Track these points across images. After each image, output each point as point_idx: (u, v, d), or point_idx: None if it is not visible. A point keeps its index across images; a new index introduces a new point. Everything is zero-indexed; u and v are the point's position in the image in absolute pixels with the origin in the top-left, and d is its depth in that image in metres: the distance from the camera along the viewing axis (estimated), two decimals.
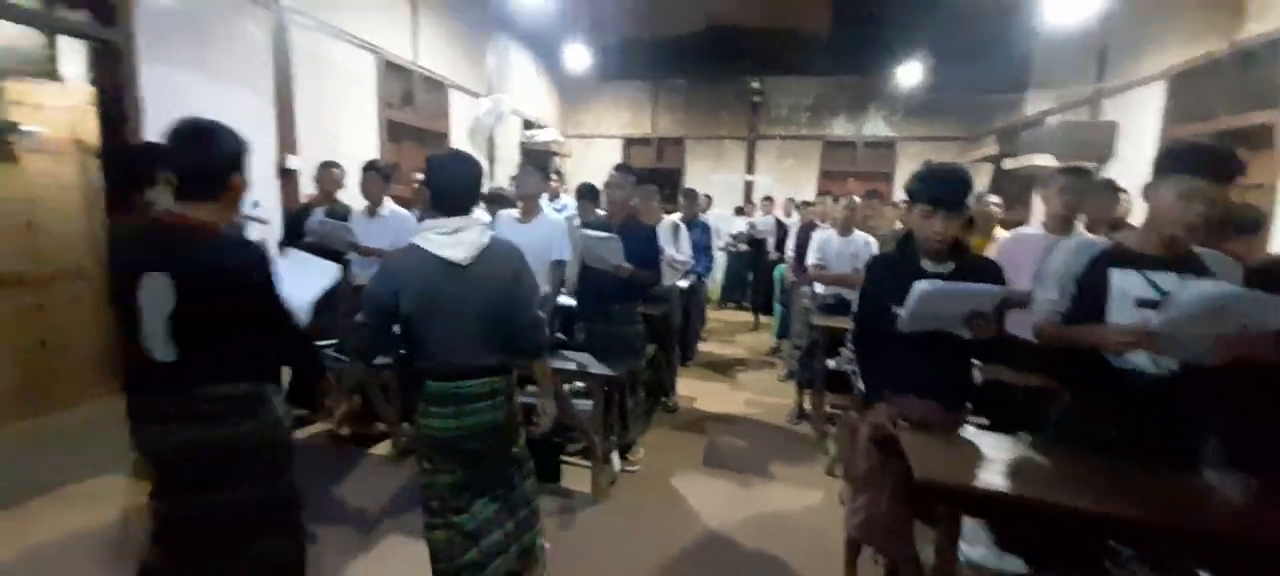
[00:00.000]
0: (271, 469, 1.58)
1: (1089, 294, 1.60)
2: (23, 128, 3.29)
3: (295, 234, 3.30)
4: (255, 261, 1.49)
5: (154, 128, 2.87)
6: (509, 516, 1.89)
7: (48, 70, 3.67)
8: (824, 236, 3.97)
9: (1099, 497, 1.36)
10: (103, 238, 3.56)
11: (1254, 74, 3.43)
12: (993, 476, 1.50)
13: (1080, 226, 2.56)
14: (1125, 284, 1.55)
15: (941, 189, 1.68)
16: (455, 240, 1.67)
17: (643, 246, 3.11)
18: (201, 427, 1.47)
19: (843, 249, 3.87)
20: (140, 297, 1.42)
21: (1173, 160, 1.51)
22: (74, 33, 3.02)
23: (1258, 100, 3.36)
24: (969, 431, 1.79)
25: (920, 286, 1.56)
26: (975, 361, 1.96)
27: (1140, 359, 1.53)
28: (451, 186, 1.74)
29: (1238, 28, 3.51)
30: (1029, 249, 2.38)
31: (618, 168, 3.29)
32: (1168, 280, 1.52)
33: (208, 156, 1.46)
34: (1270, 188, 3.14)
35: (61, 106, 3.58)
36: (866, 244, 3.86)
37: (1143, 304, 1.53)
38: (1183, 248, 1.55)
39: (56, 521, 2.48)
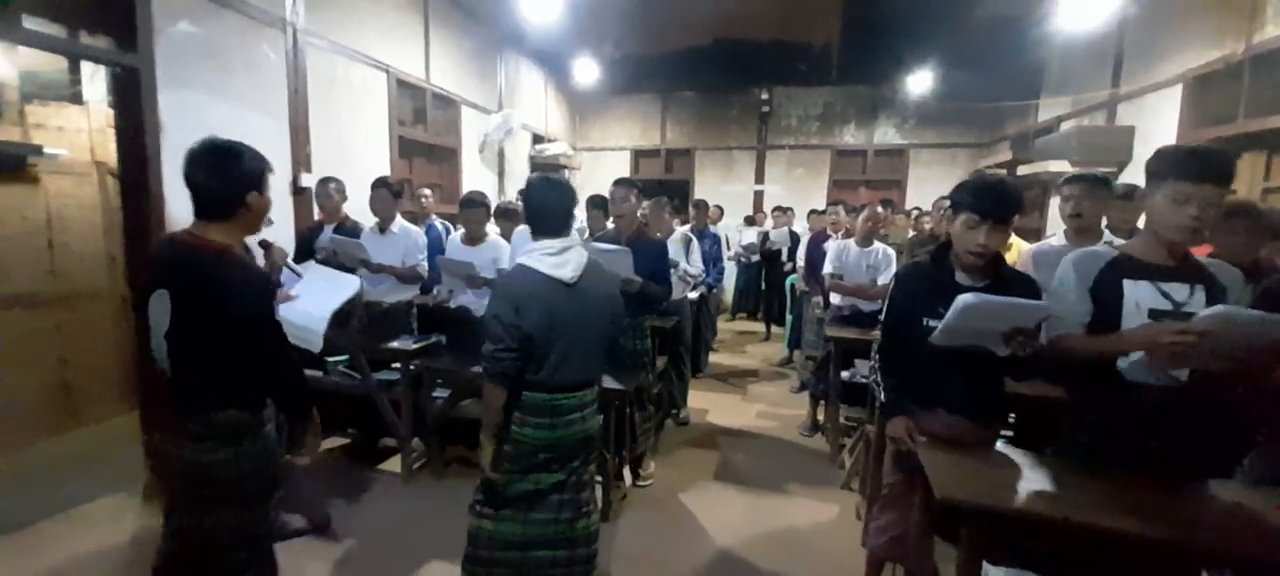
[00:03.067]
0: (250, 499, 1.58)
1: (1102, 305, 1.57)
2: (45, 150, 3.36)
3: (307, 253, 3.33)
4: (253, 286, 1.49)
5: (172, 150, 2.92)
6: (566, 547, 1.86)
7: (70, 94, 3.76)
8: (841, 246, 3.92)
9: (1119, 516, 1.31)
10: (121, 258, 3.63)
11: (1273, 76, 3.37)
12: (1012, 494, 1.45)
13: (1107, 234, 2.49)
14: (1138, 295, 1.52)
15: (991, 200, 1.63)
16: (563, 260, 1.75)
17: (652, 260, 3.10)
18: (192, 448, 1.50)
19: (861, 259, 3.81)
20: (150, 312, 1.48)
21: (1163, 166, 1.50)
22: (95, 59, 3.09)
23: (1277, 103, 3.29)
24: (999, 447, 1.75)
25: (963, 299, 1.51)
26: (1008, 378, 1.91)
27: (1147, 372, 1.50)
28: (550, 209, 1.80)
29: (1255, 30, 3.45)
30: (1053, 260, 2.32)
31: (618, 182, 3.28)
32: (1180, 291, 1.50)
33: (220, 177, 1.48)
34: None
35: (82, 129, 3.67)
36: (886, 255, 3.80)
37: (1156, 315, 1.50)
38: (1189, 256, 1.54)
39: (71, 541, 2.49)
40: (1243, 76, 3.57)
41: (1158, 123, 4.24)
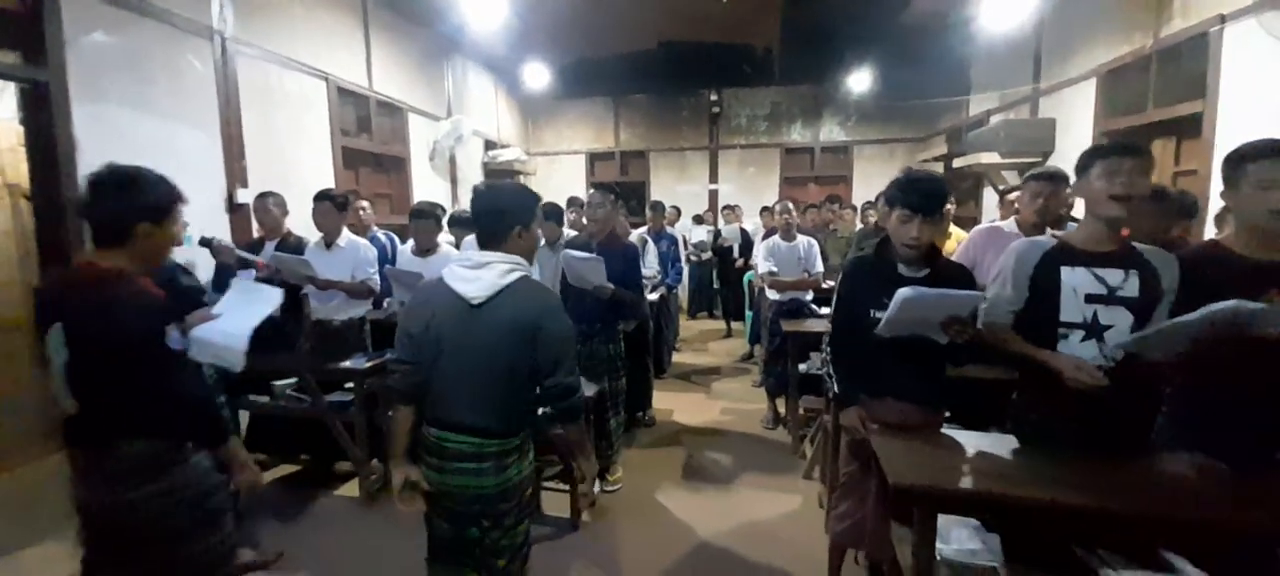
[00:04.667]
0: (184, 535, 1.50)
1: (1041, 291, 1.67)
2: None
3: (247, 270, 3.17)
4: (138, 308, 1.41)
5: (89, 168, 2.72)
6: None
7: None
8: (771, 243, 4.11)
9: (1060, 488, 1.40)
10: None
11: (1180, 66, 3.65)
12: (965, 475, 1.53)
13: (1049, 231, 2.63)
14: (1075, 281, 1.62)
15: (921, 196, 1.72)
16: (475, 275, 1.50)
17: (625, 266, 3.10)
18: (111, 487, 1.43)
19: (790, 253, 4.01)
20: (49, 347, 1.42)
21: (1091, 156, 1.64)
22: (0, 74, 2.86)
23: (1185, 91, 3.58)
24: (945, 430, 1.83)
25: (902, 293, 1.59)
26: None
27: (1084, 353, 1.59)
28: (482, 216, 1.57)
29: (1162, 24, 3.74)
30: (1001, 245, 2.42)
31: (596, 186, 3.30)
32: (1115, 276, 1.60)
33: (108, 205, 1.44)
34: (1203, 174, 3.33)
35: None
36: (810, 246, 4.05)
37: (1092, 298, 1.60)
38: (1124, 241, 1.64)
39: None
40: (1151, 68, 3.87)
41: (1075, 114, 4.55)
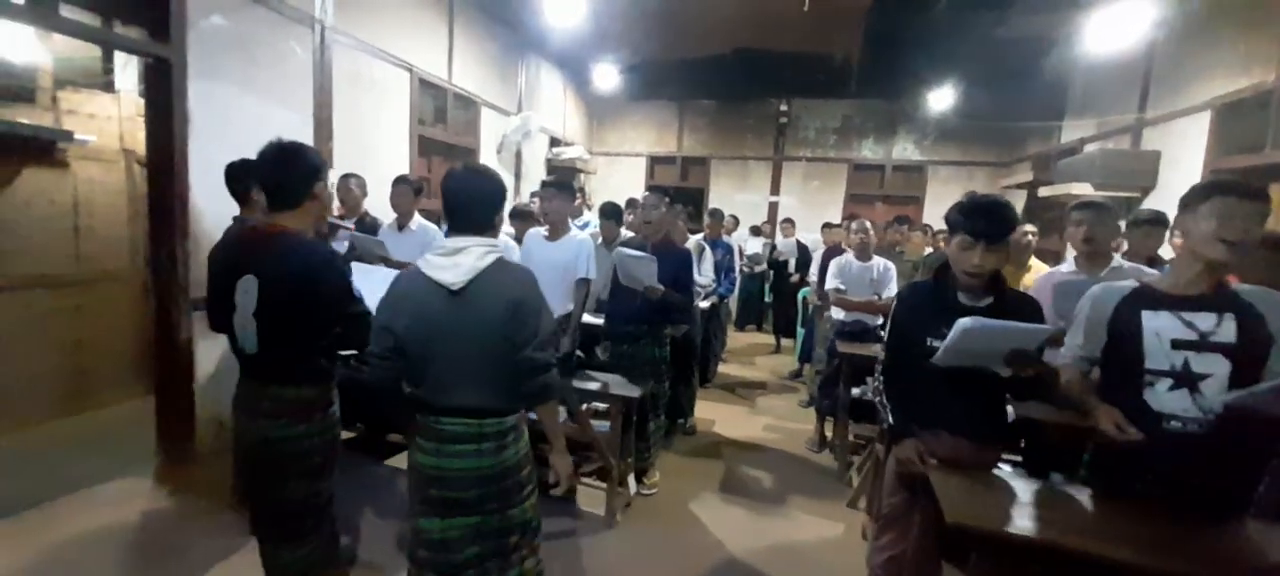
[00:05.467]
0: (316, 471, 1.79)
1: (1121, 338, 1.56)
2: (76, 136, 3.44)
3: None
4: (327, 262, 1.70)
5: (199, 139, 2.98)
6: None
7: (102, 82, 3.85)
8: (843, 261, 3.95)
9: (1136, 548, 1.29)
10: (144, 244, 3.70)
11: None
12: (1025, 521, 1.43)
13: (1118, 259, 2.48)
14: (1157, 325, 1.51)
15: (983, 221, 1.62)
16: (452, 262, 1.50)
17: (677, 269, 3.11)
18: (267, 424, 1.70)
19: (862, 274, 3.84)
20: (237, 297, 1.67)
21: (1203, 191, 1.50)
22: (128, 48, 3.16)
23: None
24: (1003, 471, 1.72)
25: (963, 323, 1.51)
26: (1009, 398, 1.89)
27: (1176, 404, 1.47)
28: (463, 202, 1.57)
29: None
30: (1061, 287, 2.32)
31: (651, 189, 3.32)
32: (1206, 320, 1.47)
33: (289, 172, 1.69)
34: None
35: (112, 117, 3.76)
36: (886, 269, 3.84)
37: (1180, 344, 1.48)
38: (1222, 285, 1.51)
39: (80, 522, 2.53)
40: (1271, 105, 3.50)
41: (1185, 149, 4.17)
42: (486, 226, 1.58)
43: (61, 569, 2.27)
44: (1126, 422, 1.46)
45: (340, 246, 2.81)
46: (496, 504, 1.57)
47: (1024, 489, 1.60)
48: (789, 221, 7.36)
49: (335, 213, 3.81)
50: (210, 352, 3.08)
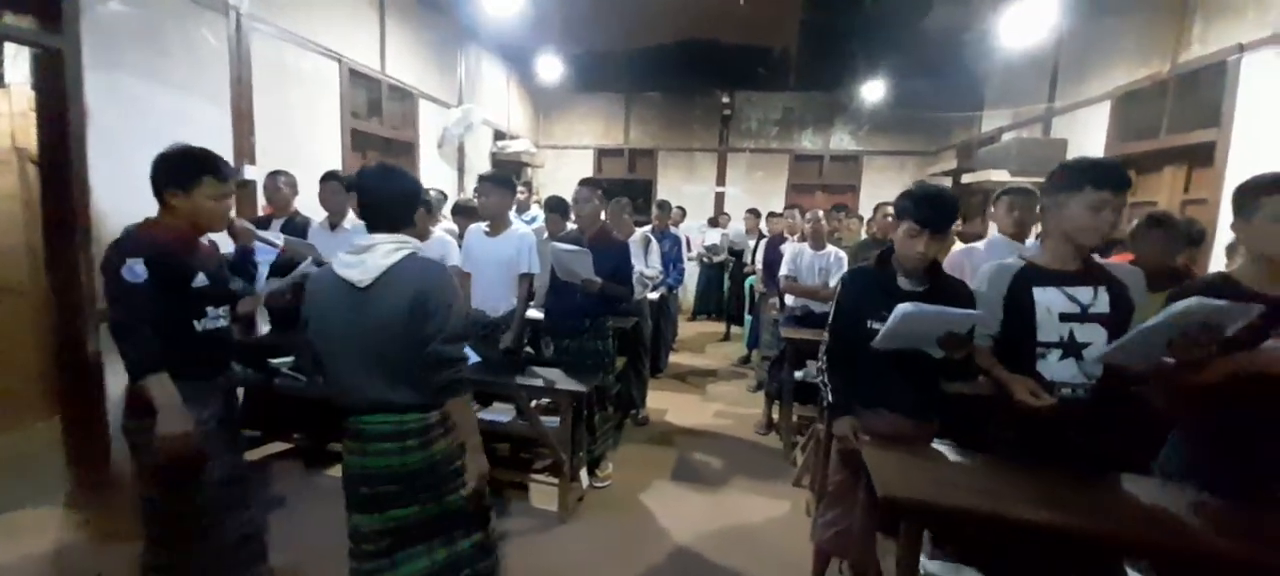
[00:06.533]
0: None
1: (1016, 312, 1.67)
2: None
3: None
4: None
5: (100, 135, 2.75)
6: (452, 571, 1.65)
7: None
8: (796, 249, 4.04)
9: (1047, 509, 1.39)
10: (42, 251, 3.39)
11: (1196, 94, 3.62)
12: (953, 491, 1.52)
13: (1030, 243, 2.67)
14: (1047, 300, 1.63)
15: (931, 211, 1.71)
16: (359, 260, 1.51)
17: (614, 261, 3.10)
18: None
19: (814, 262, 3.95)
20: None
21: (1076, 178, 1.60)
22: (16, 39, 2.87)
23: (1200, 119, 3.54)
24: (937, 444, 1.82)
25: (902, 308, 1.59)
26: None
27: (1065, 373, 1.61)
28: (376, 199, 1.58)
29: (1181, 50, 3.70)
30: (974, 265, 2.47)
31: (583, 182, 3.30)
32: (1085, 293, 1.62)
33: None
34: (1213, 203, 3.30)
35: (3, 113, 3.41)
36: (838, 258, 3.95)
37: (1067, 317, 1.61)
38: (1090, 261, 1.66)
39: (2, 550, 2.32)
40: (1167, 94, 3.83)
41: (1088, 136, 4.51)
42: (402, 223, 1.59)
43: None
44: (1040, 389, 1.56)
45: (268, 254, 2.62)
46: (430, 495, 1.59)
47: (950, 461, 1.70)
48: (753, 212, 7.25)
49: (262, 211, 3.61)
50: (122, 371, 2.86)
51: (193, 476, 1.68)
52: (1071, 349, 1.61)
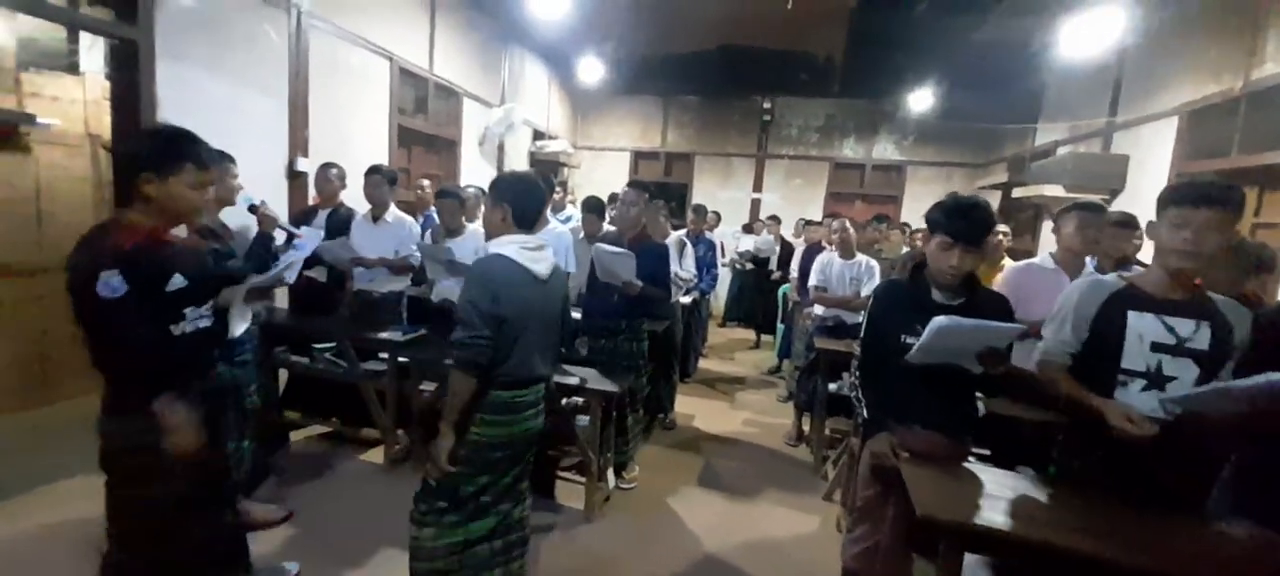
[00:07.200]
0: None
1: (1104, 335, 1.58)
2: (38, 120, 3.32)
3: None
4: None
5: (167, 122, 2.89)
6: (502, 535, 1.91)
7: (67, 64, 3.72)
8: (826, 258, 3.97)
9: (1101, 540, 1.32)
10: None
11: (1269, 113, 3.40)
12: (995, 514, 1.46)
13: (1089, 262, 2.54)
14: (1141, 327, 1.53)
15: (963, 223, 1.65)
16: (539, 256, 1.82)
17: (655, 264, 3.10)
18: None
19: (844, 271, 3.87)
20: None
21: (1162, 196, 1.53)
22: (94, 29, 3.06)
23: (1272, 139, 3.33)
24: (972, 464, 1.76)
25: (938, 321, 1.53)
26: (980, 394, 1.93)
27: (1145, 404, 1.50)
28: (532, 205, 1.87)
29: (1254, 67, 3.49)
30: (1037, 282, 2.37)
31: (631, 184, 3.30)
32: (1185, 326, 1.50)
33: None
34: None
35: (77, 100, 3.63)
36: (869, 267, 3.86)
37: (1158, 347, 1.51)
38: (1197, 290, 1.54)
39: (44, 516, 2.46)
40: (1239, 112, 3.61)
41: (1152, 153, 4.28)
42: (542, 222, 2.04)
43: (25, 567, 2.21)
44: (1139, 416, 1.45)
45: (304, 248, 2.47)
46: (531, 455, 1.96)
47: (993, 482, 1.64)
48: (774, 218, 7.33)
49: (311, 201, 3.74)
50: None
51: (171, 475, 1.58)
52: (1156, 380, 1.51)
